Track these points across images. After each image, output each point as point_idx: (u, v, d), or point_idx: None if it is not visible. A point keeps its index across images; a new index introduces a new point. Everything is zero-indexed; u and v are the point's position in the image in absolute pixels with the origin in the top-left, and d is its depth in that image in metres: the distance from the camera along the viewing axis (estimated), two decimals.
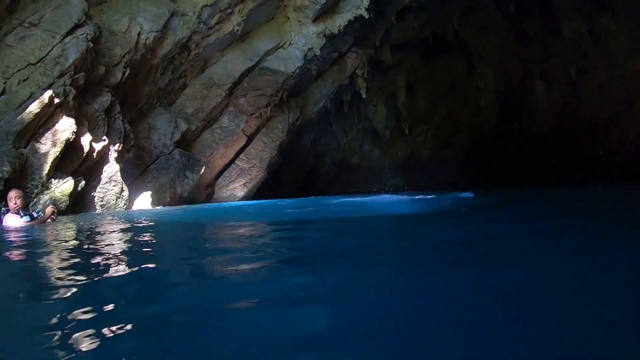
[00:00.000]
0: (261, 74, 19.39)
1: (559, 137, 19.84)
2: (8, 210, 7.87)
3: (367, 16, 18.68)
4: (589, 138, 18.17)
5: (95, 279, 3.38)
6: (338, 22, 18.96)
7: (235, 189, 20.53)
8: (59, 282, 3.27)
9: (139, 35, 13.89)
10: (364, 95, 24.01)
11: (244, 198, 20.61)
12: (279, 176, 23.38)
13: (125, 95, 14.55)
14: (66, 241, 6.09)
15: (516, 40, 21.22)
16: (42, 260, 4.52)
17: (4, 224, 7.78)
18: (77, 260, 4.45)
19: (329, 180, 27.47)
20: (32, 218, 7.95)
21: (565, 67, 19.05)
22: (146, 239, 6.59)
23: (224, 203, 18.92)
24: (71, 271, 3.84)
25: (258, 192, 21.46)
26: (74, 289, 2.95)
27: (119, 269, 3.83)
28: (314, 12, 18.25)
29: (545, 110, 21.20)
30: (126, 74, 13.83)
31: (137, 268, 3.91)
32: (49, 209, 8.37)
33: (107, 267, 3.87)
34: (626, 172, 15.99)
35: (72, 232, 7.29)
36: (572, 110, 19.36)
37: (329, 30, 19.05)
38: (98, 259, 4.29)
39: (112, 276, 3.45)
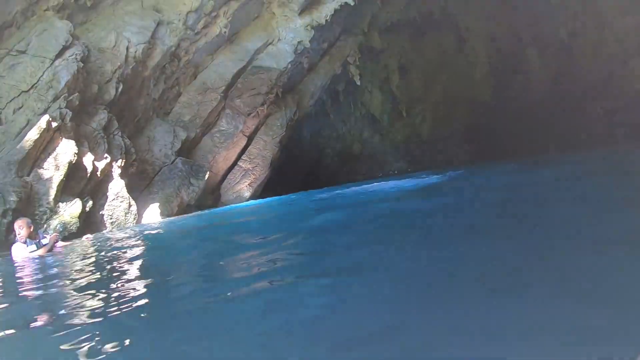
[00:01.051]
0: (254, 73, 19.34)
1: (557, 101, 19.72)
2: (17, 241, 7.90)
3: (352, 3, 18.56)
4: (587, 100, 18.06)
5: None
6: (324, 12, 18.85)
7: (241, 190, 20.52)
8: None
9: (127, 49, 13.87)
10: (358, 83, 23.90)
11: (251, 198, 20.61)
12: (283, 172, 23.37)
13: (121, 110, 14.55)
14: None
15: (503, 8, 21.03)
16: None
17: (12, 255, 7.81)
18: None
19: (333, 171, 27.42)
20: (38, 247, 7.94)
21: (556, 31, 18.90)
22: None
23: (235, 205, 18.94)
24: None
25: (264, 191, 21.47)
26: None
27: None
28: (299, 5, 18.16)
29: (540, 76, 21.06)
30: (120, 90, 13.82)
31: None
32: (52, 237, 8.36)
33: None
34: (628, 130, 15.90)
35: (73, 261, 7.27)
36: (567, 73, 19.22)
37: (316, 21, 18.95)
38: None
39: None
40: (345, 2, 18.57)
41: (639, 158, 11.99)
